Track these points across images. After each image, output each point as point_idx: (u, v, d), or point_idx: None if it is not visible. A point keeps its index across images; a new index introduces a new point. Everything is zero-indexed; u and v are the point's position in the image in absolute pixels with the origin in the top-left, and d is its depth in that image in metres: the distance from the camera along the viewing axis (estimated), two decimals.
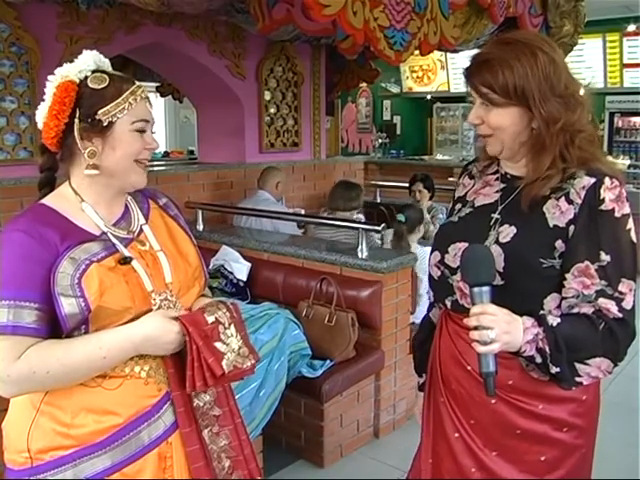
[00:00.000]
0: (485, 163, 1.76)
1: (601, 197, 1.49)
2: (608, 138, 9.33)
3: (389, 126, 11.31)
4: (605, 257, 1.48)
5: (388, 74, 10.36)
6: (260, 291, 3.90)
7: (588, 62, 9.19)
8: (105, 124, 1.46)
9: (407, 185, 5.91)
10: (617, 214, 1.49)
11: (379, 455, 3.48)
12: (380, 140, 10.86)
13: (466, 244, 1.58)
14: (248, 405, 2.84)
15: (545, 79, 1.51)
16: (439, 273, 1.69)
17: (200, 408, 1.56)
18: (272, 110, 5.82)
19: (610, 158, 8.13)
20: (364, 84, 8.12)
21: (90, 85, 1.47)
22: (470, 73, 1.59)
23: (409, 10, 3.37)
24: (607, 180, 1.50)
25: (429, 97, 11.27)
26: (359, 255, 3.63)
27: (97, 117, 1.46)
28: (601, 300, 1.47)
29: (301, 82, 5.97)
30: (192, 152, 8.81)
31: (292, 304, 3.56)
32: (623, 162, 8.32)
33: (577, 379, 1.50)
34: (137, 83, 1.53)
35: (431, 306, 1.92)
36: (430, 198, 5.63)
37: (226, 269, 3.91)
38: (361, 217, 4.90)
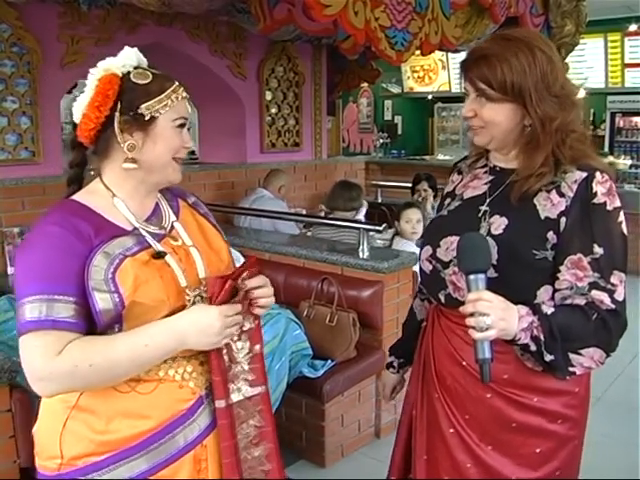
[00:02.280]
0: (474, 158, 1.77)
1: (593, 191, 1.52)
2: (609, 138, 9.34)
3: (390, 126, 11.32)
4: (598, 250, 1.50)
5: (389, 74, 10.36)
6: None
7: (589, 62, 9.19)
8: (147, 118, 1.46)
9: (408, 185, 5.92)
10: (609, 207, 1.52)
11: (380, 455, 3.46)
12: (381, 140, 10.86)
13: (457, 238, 1.59)
14: None
15: (542, 78, 1.52)
16: (431, 267, 1.69)
17: (248, 461, 1.54)
18: (273, 110, 5.82)
19: (611, 158, 8.15)
20: (365, 84, 8.12)
21: (133, 79, 1.47)
22: (467, 67, 1.60)
23: (410, 10, 3.37)
24: (598, 174, 1.53)
25: (430, 97, 11.27)
26: (360, 255, 3.63)
27: (139, 111, 1.46)
28: (594, 292, 1.50)
29: (302, 82, 5.96)
30: (193, 152, 8.80)
31: (293, 304, 3.56)
32: (624, 162, 8.32)
33: (570, 369, 1.52)
34: (177, 82, 1.54)
35: (414, 297, 1.98)
36: (434, 197, 5.65)
37: None
38: (362, 217, 4.90)
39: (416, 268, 3.82)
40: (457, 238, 1.58)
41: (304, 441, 3.44)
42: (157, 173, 1.53)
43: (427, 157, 10.61)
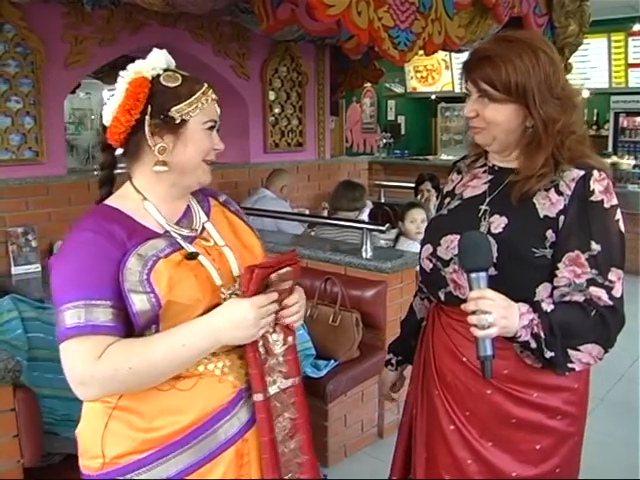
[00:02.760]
0: (473, 158, 1.79)
1: (591, 188, 1.53)
2: (613, 138, 9.31)
3: (393, 126, 11.31)
4: (595, 247, 1.52)
5: (392, 74, 10.35)
6: None
7: (593, 62, 9.17)
8: (178, 121, 1.47)
9: (411, 185, 5.93)
10: (606, 205, 1.54)
11: (383, 455, 3.45)
12: (384, 140, 10.87)
13: (458, 236, 1.60)
14: None
15: (545, 79, 1.54)
16: (431, 266, 1.70)
17: (285, 455, 1.54)
18: (276, 110, 5.83)
19: (615, 158, 8.14)
20: (368, 84, 8.13)
21: (163, 82, 1.48)
22: (470, 68, 1.61)
23: (413, 10, 3.37)
24: (595, 172, 1.54)
25: (433, 97, 11.25)
26: (363, 255, 3.63)
27: (170, 114, 1.46)
28: (592, 289, 1.51)
29: (305, 82, 5.97)
30: None
31: None
32: (628, 162, 8.30)
33: (570, 365, 1.53)
34: (206, 84, 1.54)
35: (414, 295, 2.00)
36: (437, 198, 5.64)
37: None
38: (365, 217, 4.90)
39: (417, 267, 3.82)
40: (457, 237, 1.59)
41: None
42: (188, 175, 1.54)
43: (430, 157, 10.60)
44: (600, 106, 9.37)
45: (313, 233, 4.67)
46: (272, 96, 5.76)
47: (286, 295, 1.53)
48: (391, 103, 11.53)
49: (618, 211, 1.56)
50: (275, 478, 1.50)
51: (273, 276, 1.47)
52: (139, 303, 1.37)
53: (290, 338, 1.57)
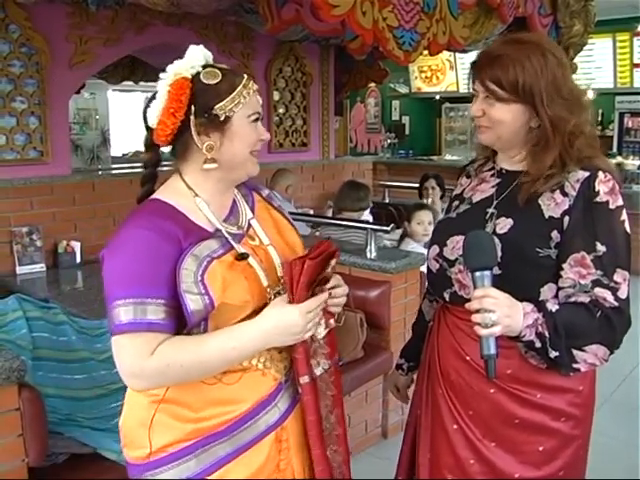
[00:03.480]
0: (481, 162, 1.80)
1: (596, 189, 1.53)
2: (618, 138, 9.29)
3: (398, 126, 11.31)
4: (601, 248, 1.51)
5: (397, 74, 10.35)
6: None
7: (598, 62, 9.16)
8: (222, 119, 1.47)
9: (416, 185, 5.91)
10: (612, 206, 1.54)
11: (387, 455, 3.45)
12: (389, 140, 10.87)
13: (463, 237, 1.60)
14: None
15: (553, 80, 1.55)
16: (437, 266, 1.71)
17: (326, 429, 1.60)
18: (281, 110, 5.83)
19: (620, 159, 8.12)
20: (373, 84, 8.12)
21: (204, 80, 1.48)
22: (479, 68, 1.61)
23: (418, 10, 3.37)
24: (601, 174, 1.55)
25: (438, 97, 11.26)
26: (368, 255, 3.63)
27: (214, 112, 1.47)
28: (597, 290, 1.51)
29: (310, 82, 5.97)
30: None
31: None
32: (633, 162, 8.28)
33: (575, 365, 1.52)
34: (246, 76, 1.54)
35: (423, 298, 2.00)
36: (441, 197, 5.64)
37: None
38: (369, 217, 4.90)
39: (423, 268, 3.82)
40: (463, 237, 1.59)
41: None
42: (237, 169, 1.55)
43: (435, 157, 10.59)
44: (605, 106, 9.35)
45: (318, 233, 4.66)
46: (276, 96, 5.76)
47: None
48: (395, 103, 11.53)
49: (624, 212, 1.56)
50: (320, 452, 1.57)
51: (328, 271, 1.51)
52: (193, 304, 1.38)
53: (332, 321, 1.60)
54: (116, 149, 9.83)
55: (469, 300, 1.49)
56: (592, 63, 9.07)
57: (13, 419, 2.12)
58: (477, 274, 1.47)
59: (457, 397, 1.68)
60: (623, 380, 4.25)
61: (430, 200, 5.58)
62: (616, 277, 1.51)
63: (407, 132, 11.43)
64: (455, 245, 1.65)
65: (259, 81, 5.57)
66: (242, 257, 1.48)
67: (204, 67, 1.52)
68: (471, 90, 1.66)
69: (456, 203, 1.79)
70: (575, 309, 1.51)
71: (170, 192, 1.52)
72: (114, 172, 5.87)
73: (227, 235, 1.50)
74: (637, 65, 9.04)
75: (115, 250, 1.44)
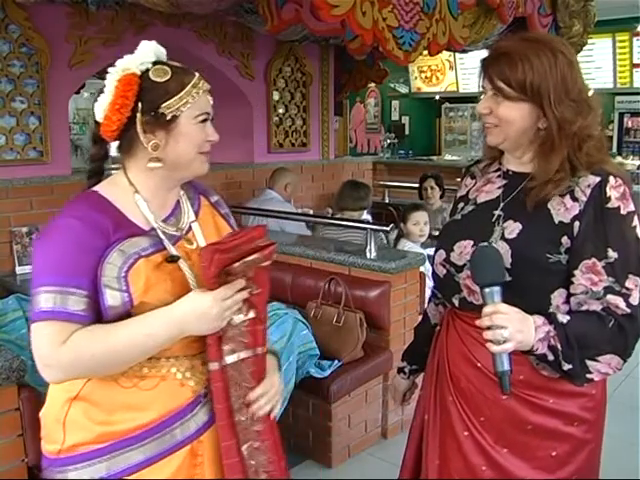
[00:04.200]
0: (487, 162, 1.77)
1: (607, 195, 1.51)
2: (617, 138, 9.29)
3: (397, 126, 11.29)
4: (612, 254, 1.50)
5: (397, 74, 10.35)
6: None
7: (598, 62, 9.15)
8: (168, 118, 1.45)
9: (416, 185, 5.91)
10: (623, 212, 1.52)
11: (387, 455, 3.48)
12: (388, 140, 10.84)
13: (471, 242, 1.60)
14: None
15: (562, 80, 1.52)
16: (445, 272, 1.69)
17: (242, 423, 1.53)
18: (281, 110, 5.83)
19: (620, 159, 8.12)
20: (372, 84, 8.10)
21: (152, 78, 1.46)
22: (488, 64, 1.59)
23: (418, 10, 3.37)
24: (612, 179, 1.53)
25: (438, 97, 11.25)
26: (367, 255, 3.63)
27: (160, 111, 1.44)
28: (609, 296, 1.49)
29: (309, 82, 5.97)
30: None
31: (300, 304, 3.56)
32: (633, 163, 8.29)
33: (588, 376, 1.51)
34: (197, 74, 1.52)
35: (429, 301, 1.97)
36: (440, 197, 5.64)
37: None
38: (369, 217, 4.90)
39: (423, 269, 3.83)
40: (471, 242, 1.59)
41: (311, 441, 3.44)
42: (182, 169, 1.53)
43: (434, 157, 10.57)
44: (605, 106, 9.33)
45: (316, 233, 4.67)
46: (276, 96, 5.76)
47: (259, 279, 1.50)
48: (395, 103, 11.51)
49: (635, 218, 1.54)
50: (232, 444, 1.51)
51: (237, 265, 1.44)
52: (112, 299, 1.38)
53: (252, 311, 1.53)
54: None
55: (478, 306, 1.49)
56: (592, 63, 9.05)
57: (13, 419, 2.12)
58: (486, 290, 1.47)
59: (468, 404, 1.66)
60: (623, 380, 4.25)
61: (431, 200, 5.58)
62: (628, 284, 1.50)
63: (407, 132, 11.41)
64: (462, 250, 1.63)
65: (259, 81, 5.58)
66: (172, 259, 1.46)
67: (155, 64, 1.49)
68: (480, 87, 1.63)
69: (461, 205, 1.78)
70: (587, 319, 1.50)
71: (111, 186, 1.51)
72: (113, 172, 5.86)
73: (162, 235, 1.48)
74: (637, 65, 9.04)
75: (44, 237, 1.44)
